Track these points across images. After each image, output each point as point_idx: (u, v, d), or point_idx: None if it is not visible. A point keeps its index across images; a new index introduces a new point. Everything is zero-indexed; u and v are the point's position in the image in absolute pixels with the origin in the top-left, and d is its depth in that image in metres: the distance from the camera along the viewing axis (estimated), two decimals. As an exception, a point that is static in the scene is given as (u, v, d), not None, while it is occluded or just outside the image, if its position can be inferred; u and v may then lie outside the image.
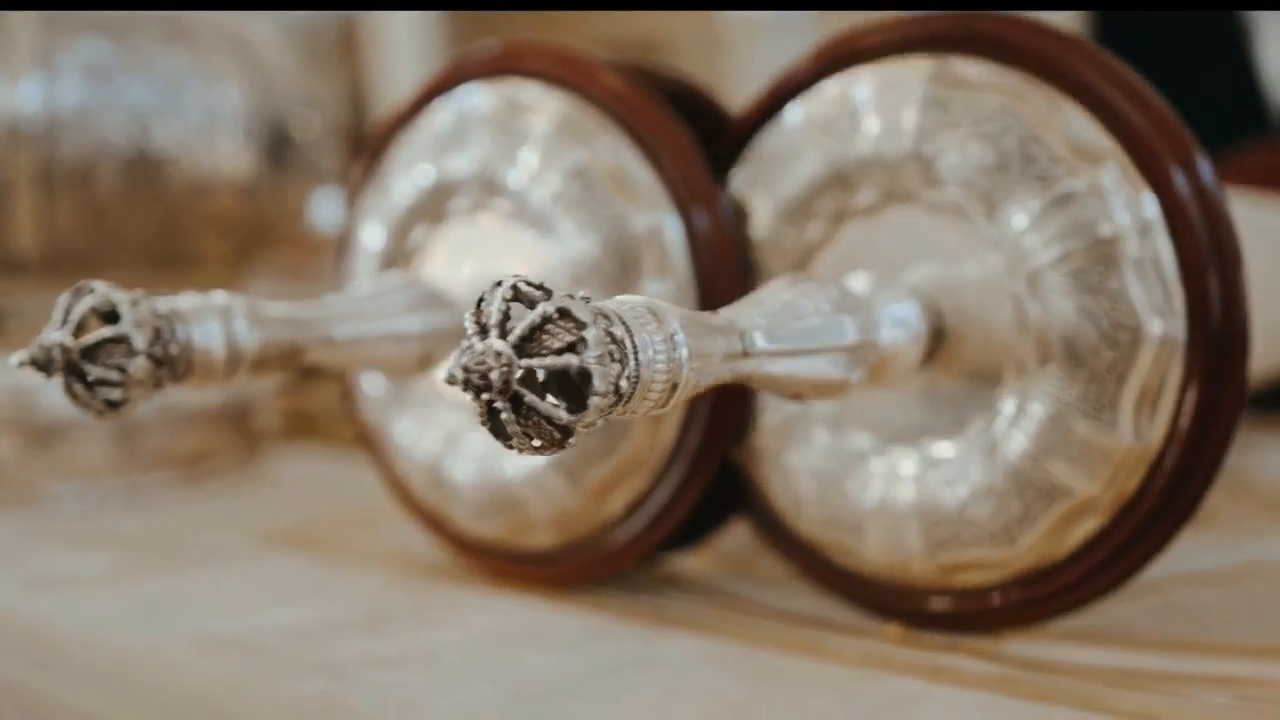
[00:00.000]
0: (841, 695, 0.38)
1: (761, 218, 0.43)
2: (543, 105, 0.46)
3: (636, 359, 0.27)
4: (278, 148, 0.70)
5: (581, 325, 0.26)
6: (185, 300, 0.39)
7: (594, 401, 0.26)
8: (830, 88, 0.42)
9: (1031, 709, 0.36)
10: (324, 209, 0.91)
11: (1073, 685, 0.37)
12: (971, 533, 0.40)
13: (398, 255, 0.50)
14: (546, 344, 0.26)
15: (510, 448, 0.27)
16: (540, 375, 0.26)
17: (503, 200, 0.46)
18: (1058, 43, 0.38)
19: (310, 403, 0.83)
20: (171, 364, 0.38)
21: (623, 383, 0.27)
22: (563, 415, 0.26)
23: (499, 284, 0.27)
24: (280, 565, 0.54)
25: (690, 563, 0.51)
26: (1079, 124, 0.38)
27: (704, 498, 0.46)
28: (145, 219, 0.68)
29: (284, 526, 0.60)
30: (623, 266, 0.44)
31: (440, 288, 0.46)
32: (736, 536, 0.53)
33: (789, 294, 0.34)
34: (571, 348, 0.26)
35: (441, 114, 0.49)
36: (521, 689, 0.39)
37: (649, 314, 0.28)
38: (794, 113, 0.43)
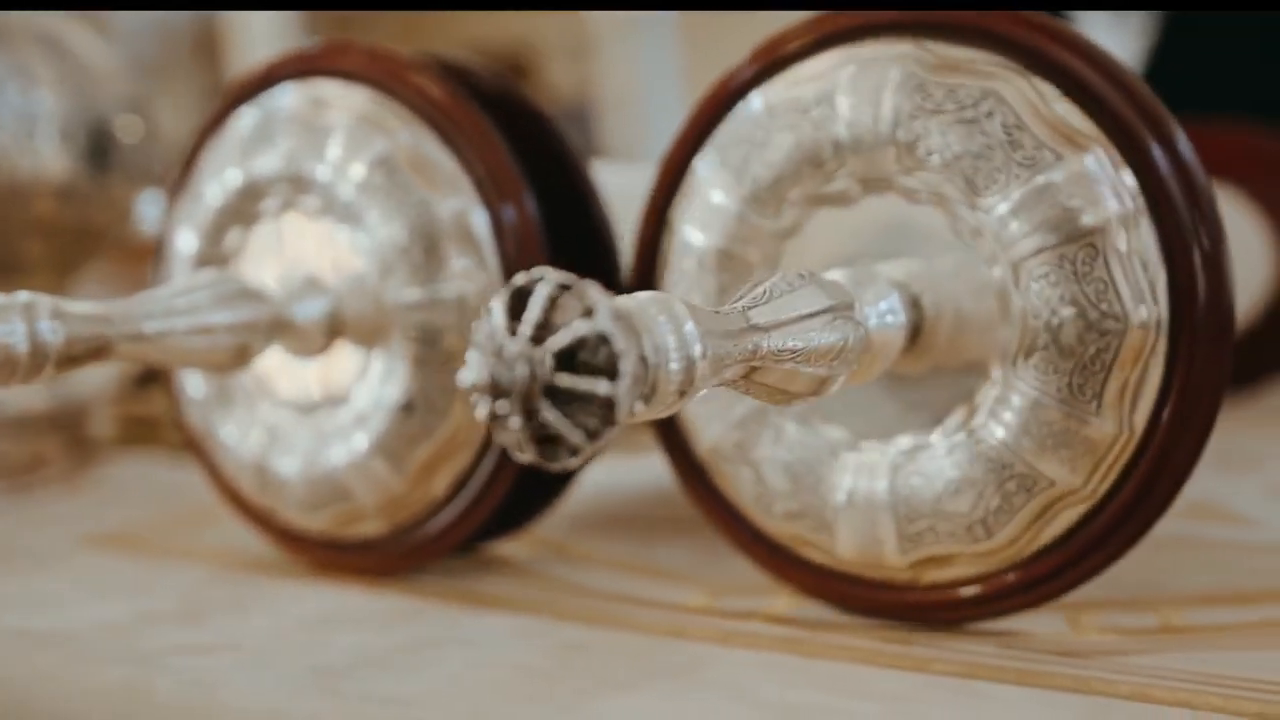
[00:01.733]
0: (637, 661, 0.39)
1: (730, 204, 0.42)
2: (346, 100, 0.47)
3: (651, 332, 0.26)
4: (100, 151, 0.69)
5: (584, 294, 0.26)
6: (-13, 300, 0.39)
7: (624, 366, 0.25)
8: (806, 69, 0.41)
9: (811, 665, 0.38)
10: (153, 212, 0.90)
11: (852, 641, 0.40)
12: (946, 526, 0.39)
13: (212, 259, 0.50)
14: (559, 322, 0.26)
15: (558, 459, 0.26)
16: (564, 373, 0.26)
17: (311, 197, 0.47)
18: (1028, 23, 0.38)
19: (149, 408, 0.83)
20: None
21: (646, 349, 0.26)
22: (603, 387, 0.25)
23: (494, 298, 0.26)
24: (102, 564, 0.54)
25: (508, 548, 0.52)
26: (1062, 107, 0.37)
27: (525, 480, 0.47)
28: (-36, 224, 0.67)
29: (109, 528, 0.60)
30: (428, 252, 0.45)
31: (253, 283, 0.47)
32: (553, 522, 0.55)
33: (783, 290, 0.32)
34: (585, 315, 0.26)
35: (248, 117, 0.50)
36: (322, 666, 0.40)
37: (653, 301, 0.27)
38: (767, 95, 0.41)
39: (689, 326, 0.27)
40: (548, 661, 0.40)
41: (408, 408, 0.46)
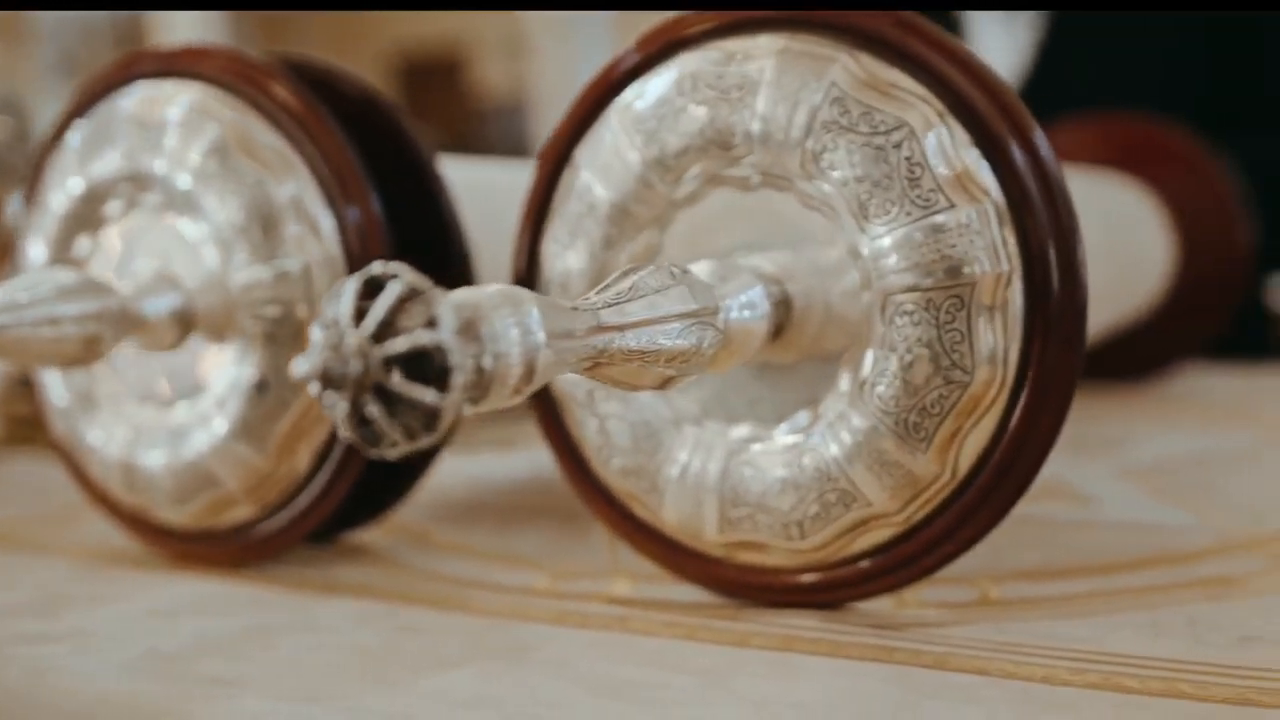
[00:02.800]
0: (471, 642, 0.40)
1: (631, 165, 0.42)
2: (180, 96, 0.48)
3: (494, 338, 0.27)
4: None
5: (432, 303, 0.26)
6: None
7: (456, 380, 0.26)
8: (728, 47, 0.41)
9: (637, 641, 0.40)
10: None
11: (679, 619, 0.41)
12: (765, 519, 0.41)
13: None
14: (402, 325, 0.26)
15: (378, 449, 0.27)
16: (397, 374, 0.26)
17: (152, 193, 0.48)
18: (952, 55, 0.38)
19: (33, 408, 0.82)
20: None
21: (484, 360, 0.27)
22: (430, 396, 0.26)
23: (347, 281, 0.27)
24: (-33, 560, 0.55)
25: (369, 536, 0.53)
26: (969, 156, 0.37)
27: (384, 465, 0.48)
28: None
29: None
30: (267, 230, 0.46)
31: (100, 277, 0.47)
32: (417, 511, 0.56)
33: (650, 288, 0.33)
34: (428, 325, 0.26)
35: (86, 126, 0.51)
36: (160, 650, 0.41)
37: (502, 297, 0.28)
38: (694, 63, 0.41)
39: (536, 332, 0.28)
40: (380, 642, 0.41)
41: (261, 386, 0.47)
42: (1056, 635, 0.38)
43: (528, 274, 0.45)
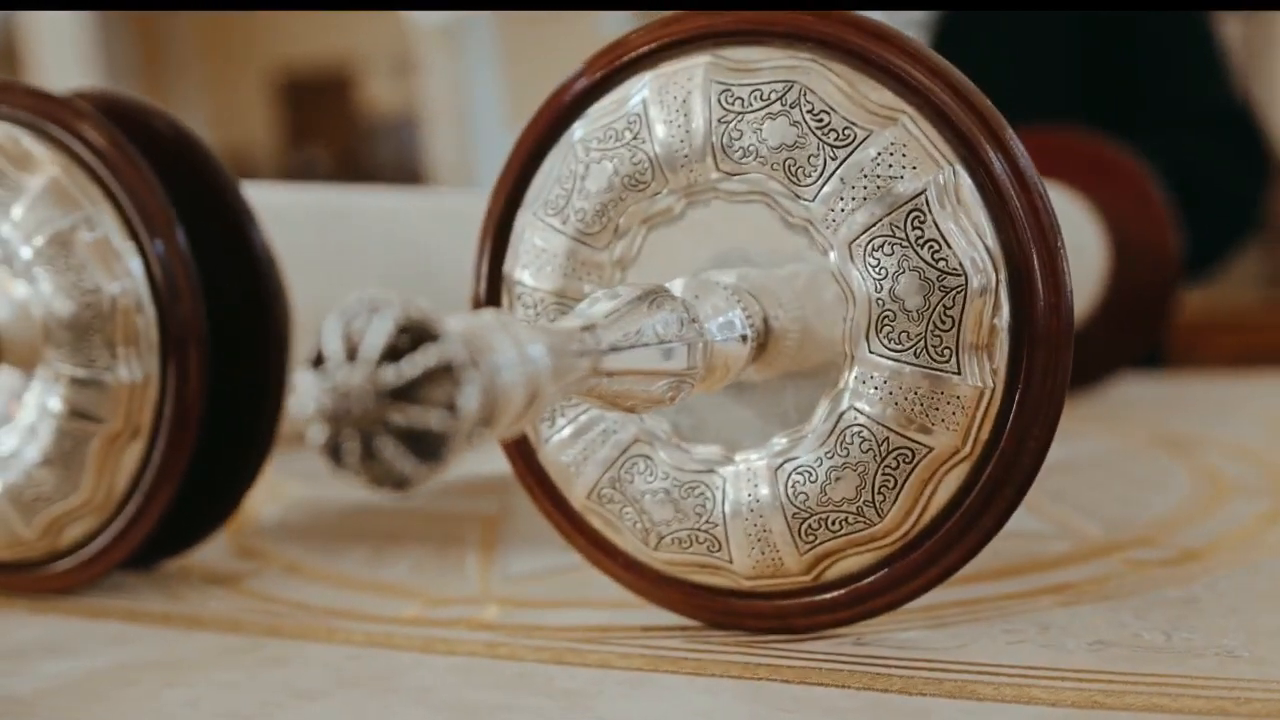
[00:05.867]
0: (333, 672, 0.40)
1: (559, 242, 0.41)
2: None
3: (496, 367, 0.25)
4: None
5: (459, 383, 0.24)
6: None
7: (447, 460, 0.24)
8: (609, 98, 0.41)
9: (502, 666, 0.40)
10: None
11: (546, 643, 0.41)
12: (836, 516, 0.38)
13: None
14: (424, 396, 0.24)
15: (386, 485, 0.25)
16: (404, 405, 0.24)
17: None
18: (827, 17, 0.38)
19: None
20: None
21: (491, 385, 0.25)
22: (408, 471, 0.24)
23: (378, 307, 0.24)
24: None
25: (237, 567, 0.53)
26: (866, 87, 0.37)
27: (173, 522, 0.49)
28: None
29: None
30: (71, 264, 0.46)
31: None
32: (287, 541, 0.55)
33: (609, 301, 0.32)
34: (449, 406, 0.24)
35: None
36: (14, 694, 0.40)
37: (500, 324, 0.26)
38: (577, 131, 0.41)
39: (539, 354, 0.27)
40: (242, 676, 0.40)
41: (68, 417, 0.47)
42: (915, 646, 0.39)
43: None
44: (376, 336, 0.24)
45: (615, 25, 4.92)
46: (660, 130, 0.39)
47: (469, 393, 0.24)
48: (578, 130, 0.41)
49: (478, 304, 0.44)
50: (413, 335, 0.24)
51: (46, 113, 0.48)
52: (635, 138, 0.40)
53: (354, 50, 6.95)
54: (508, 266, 0.43)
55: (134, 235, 0.47)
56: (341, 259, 0.59)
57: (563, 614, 0.44)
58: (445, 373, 0.24)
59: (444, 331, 0.24)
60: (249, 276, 0.50)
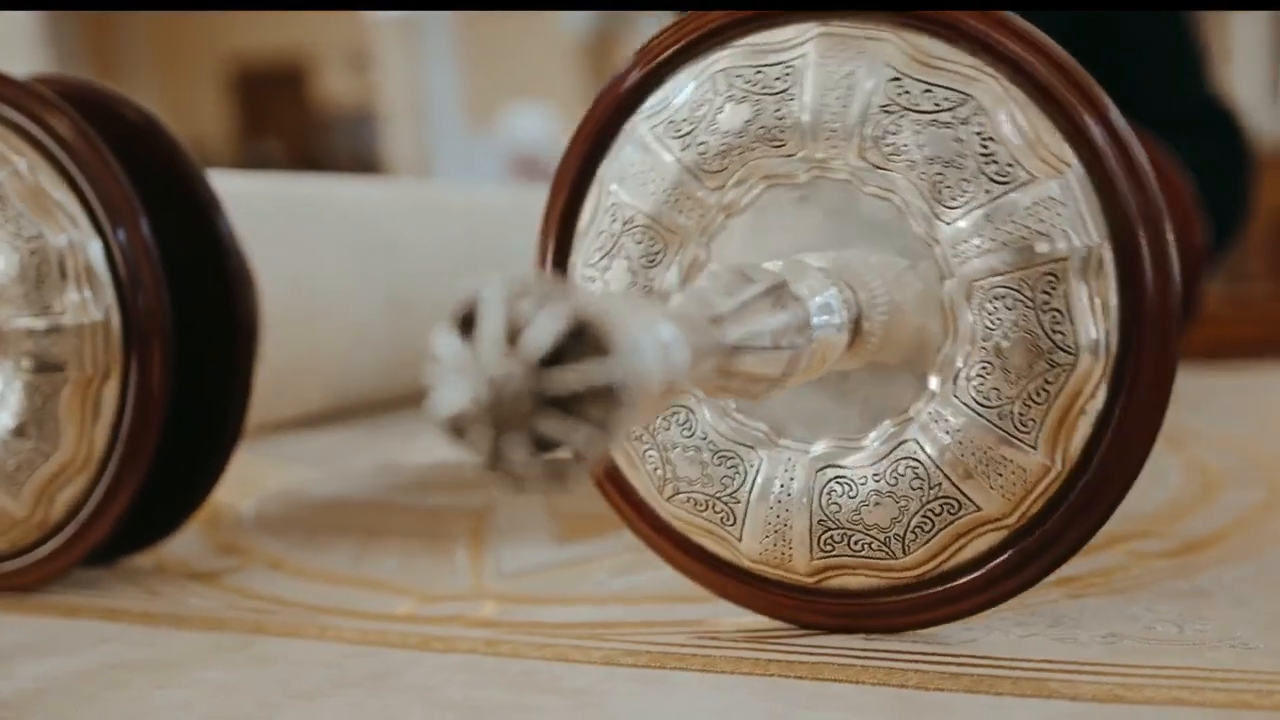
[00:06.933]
0: (331, 671, 0.39)
1: (667, 173, 0.38)
2: None
3: (637, 413, 0.23)
4: None
5: (618, 405, 0.22)
6: None
7: (576, 477, 0.23)
8: (767, 35, 0.38)
9: (505, 664, 0.39)
10: None
11: (548, 640, 0.40)
12: (861, 538, 0.38)
13: None
14: (580, 411, 0.22)
15: (519, 488, 0.23)
16: (556, 412, 0.22)
17: None
18: (1004, 26, 0.36)
19: None
20: None
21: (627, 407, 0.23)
22: (529, 476, 0.22)
23: (549, 297, 0.22)
24: None
25: (221, 563, 0.51)
26: (1032, 120, 0.35)
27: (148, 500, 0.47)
28: None
29: None
30: (40, 283, 0.45)
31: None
32: (270, 536, 0.54)
33: (739, 291, 0.30)
34: (601, 425, 0.22)
35: None
36: (6, 697, 0.38)
37: (648, 332, 0.24)
38: (722, 60, 0.38)
39: (680, 361, 0.25)
40: (234, 676, 0.39)
41: (19, 431, 0.46)
42: (925, 640, 0.38)
43: None
44: (544, 334, 0.22)
45: (577, 24, 4.91)
46: (812, 95, 0.36)
47: (623, 417, 0.22)
48: (723, 59, 0.38)
49: (558, 195, 0.41)
50: (583, 341, 0.22)
51: (9, 99, 0.46)
52: (784, 92, 0.37)
53: (309, 43, 6.88)
54: (604, 169, 0.40)
55: (98, 227, 0.46)
56: (305, 245, 0.59)
57: (562, 610, 0.43)
58: (607, 393, 0.22)
59: (616, 346, 0.22)
60: (216, 259, 0.50)
